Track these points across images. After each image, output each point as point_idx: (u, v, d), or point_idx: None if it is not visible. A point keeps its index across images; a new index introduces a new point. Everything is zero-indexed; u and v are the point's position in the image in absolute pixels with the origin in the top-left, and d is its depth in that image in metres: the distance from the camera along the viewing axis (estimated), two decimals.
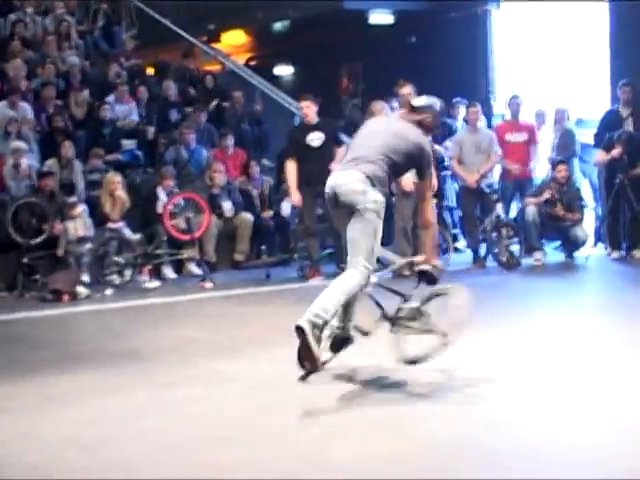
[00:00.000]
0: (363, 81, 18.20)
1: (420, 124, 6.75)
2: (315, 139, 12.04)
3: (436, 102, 6.97)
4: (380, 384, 6.51)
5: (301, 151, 12.05)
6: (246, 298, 11.19)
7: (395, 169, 6.57)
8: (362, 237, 6.34)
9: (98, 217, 12.62)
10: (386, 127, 6.81)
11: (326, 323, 6.20)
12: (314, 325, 6.11)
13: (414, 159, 6.60)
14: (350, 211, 6.37)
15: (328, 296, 6.24)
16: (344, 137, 12.21)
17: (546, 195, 12.70)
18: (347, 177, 6.42)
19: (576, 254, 12.85)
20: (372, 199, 6.32)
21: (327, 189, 6.54)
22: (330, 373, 6.69)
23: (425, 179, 6.73)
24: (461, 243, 14.08)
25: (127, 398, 6.27)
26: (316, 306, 6.17)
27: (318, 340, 6.19)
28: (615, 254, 12.92)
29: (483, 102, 14.69)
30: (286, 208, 13.74)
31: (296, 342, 6.25)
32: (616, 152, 12.61)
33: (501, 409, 5.84)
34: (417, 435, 5.33)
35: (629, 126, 12.97)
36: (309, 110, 12.22)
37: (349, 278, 6.34)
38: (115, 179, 12.78)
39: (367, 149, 6.54)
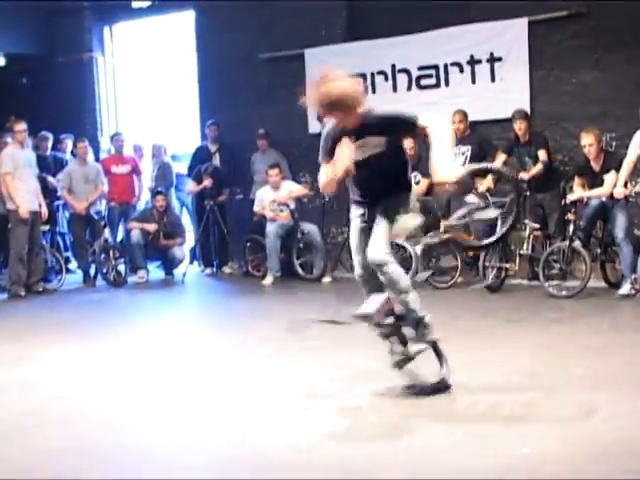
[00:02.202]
0: None
1: None
2: None
3: None
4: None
5: None
6: None
7: None
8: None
9: None
10: None
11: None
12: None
13: None
14: None
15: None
16: None
17: (151, 227, 12.72)
18: None
19: (175, 271, 12.99)
20: None
21: None
22: None
23: None
24: (73, 264, 13.80)
25: None
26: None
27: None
28: (208, 270, 13.21)
29: (91, 138, 14.53)
30: None
31: None
32: (206, 182, 12.89)
33: (113, 412, 5.77)
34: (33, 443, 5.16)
35: (216, 160, 13.33)
36: None
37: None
38: None
39: None
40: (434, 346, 5.78)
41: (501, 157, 10.80)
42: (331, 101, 5.44)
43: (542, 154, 10.59)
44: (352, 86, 5.55)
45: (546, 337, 7.63)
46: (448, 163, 5.48)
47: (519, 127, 10.68)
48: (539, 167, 10.55)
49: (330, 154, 5.63)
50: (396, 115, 5.63)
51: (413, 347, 5.72)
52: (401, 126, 5.67)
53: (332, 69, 5.61)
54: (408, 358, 5.70)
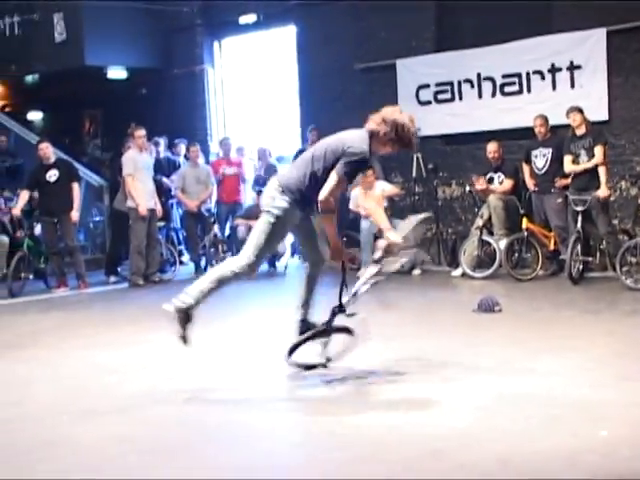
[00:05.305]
0: (102, 125, 17.89)
1: (372, 134, 5.77)
2: (52, 175, 11.68)
3: (399, 119, 5.76)
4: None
5: (41, 186, 11.69)
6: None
7: (318, 175, 5.76)
8: (255, 233, 5.84)
9: None
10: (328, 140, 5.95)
11: (190, 307, 5.77)
12: (178, 309, 5.79)
13: (332, 158, 5.73)
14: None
15: (199, 283, 5.82)
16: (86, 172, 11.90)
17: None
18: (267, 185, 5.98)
19: (277, 264, 13.06)
20: (276, 204, 5.78)
21: None
22: None
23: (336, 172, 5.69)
24: (185, 257, 14.02)
25: None
26: (185, 291, 5.80)
27: (183, 321, 5.81)
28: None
29: (202, 142, 14.74)
30: (38, 229, 13.14)
31: None
32: None
33: (217, 392, 5.84)
34: (149, 418, 5.24)
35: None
36: (47, 151, 11.80)
37: (223, 267, 5.90)
38: None
39: (295, 163, 6.15)
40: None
41: (567, 158, 10.54)
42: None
43: (599, 152, 10.20)
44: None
45: (622, 328, 7.45)
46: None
47: (573, 119, 10.40)
48: (592, 163, 10.21)
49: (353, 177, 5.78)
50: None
51: None
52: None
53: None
54: None
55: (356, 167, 5.71)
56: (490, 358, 6.34)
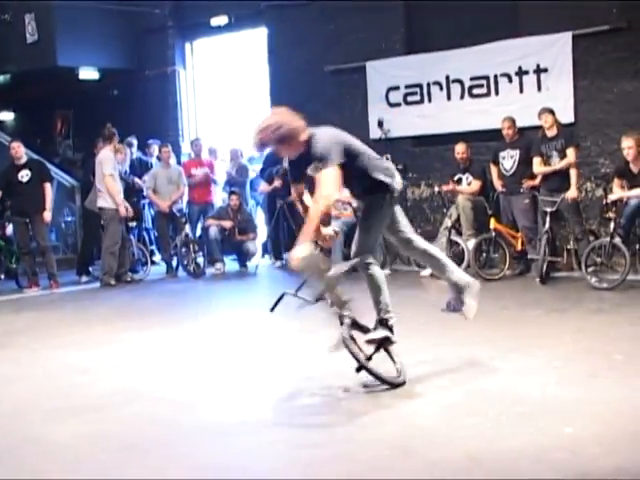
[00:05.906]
0: (74, 126, 17.75)
1: None
2: (24, 175, 11.58)
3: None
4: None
5: (12, 186, 11.56)
6: None
7: None
8: None
9: None
10: None
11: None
12: None
13: None
14: None
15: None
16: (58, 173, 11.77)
17: (227, 224, 12.79)
18: None
19: (248, 264, 13.04)
20: None
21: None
22: None
23: None
24: (157, 257, 13.93)
25: None
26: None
27: None
28: (278, 263, 13.22)
29: (173, 143, 14.66)
30: (9, 229, 13.03)
31: None
32: (277, 183, 12.91)
33: (190, 391, 5.82)
34: (122, 416, 5.22)
35: (286, 163, 13.22)
36: (19, 150, 11.70)
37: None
38: None
39: None
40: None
41: (537, 159, 10.63)
42: (274, 137, 5.39)
43: (571, 154, 10.36)
44: (287, 120, 5.44)
45: (588, 326, 7.50)
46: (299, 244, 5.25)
47: (545, 120, 10.48)
48: (563, 164, 10.36)
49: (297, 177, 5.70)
50: (320, 153, 5.33)
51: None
52: (315, 163, 5.35)
53: (275, 110, 5.72)
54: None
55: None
56: (459, 357, 6.36)
